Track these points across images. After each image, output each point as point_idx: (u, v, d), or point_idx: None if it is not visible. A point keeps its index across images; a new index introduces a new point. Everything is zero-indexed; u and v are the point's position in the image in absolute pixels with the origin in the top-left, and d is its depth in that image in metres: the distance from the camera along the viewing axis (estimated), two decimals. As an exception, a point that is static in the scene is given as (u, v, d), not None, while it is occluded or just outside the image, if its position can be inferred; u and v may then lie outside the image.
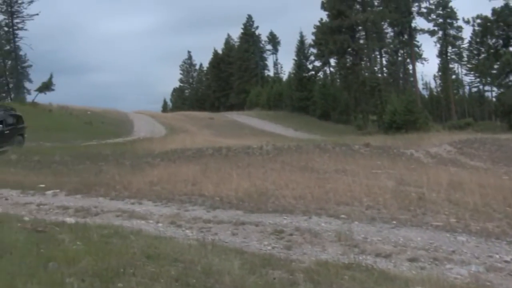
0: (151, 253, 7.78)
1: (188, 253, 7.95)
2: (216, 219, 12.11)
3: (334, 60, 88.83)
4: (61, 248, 8.17)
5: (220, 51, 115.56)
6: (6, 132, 27.77)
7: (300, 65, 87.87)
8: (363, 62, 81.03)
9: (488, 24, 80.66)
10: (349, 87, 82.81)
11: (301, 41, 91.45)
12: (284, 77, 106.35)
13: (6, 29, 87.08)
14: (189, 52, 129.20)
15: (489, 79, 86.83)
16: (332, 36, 75.55)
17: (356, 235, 10.46)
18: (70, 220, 11.75)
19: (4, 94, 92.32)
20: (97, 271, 6.79)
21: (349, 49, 77.31)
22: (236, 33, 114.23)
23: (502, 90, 73.22)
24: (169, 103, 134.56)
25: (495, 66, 77.30)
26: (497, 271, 8.20)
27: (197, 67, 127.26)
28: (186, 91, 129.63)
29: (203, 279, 6.69)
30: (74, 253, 7.82)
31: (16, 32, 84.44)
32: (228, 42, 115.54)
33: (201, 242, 9.48)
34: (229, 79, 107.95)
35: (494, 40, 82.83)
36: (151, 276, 6.68)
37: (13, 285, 5.96)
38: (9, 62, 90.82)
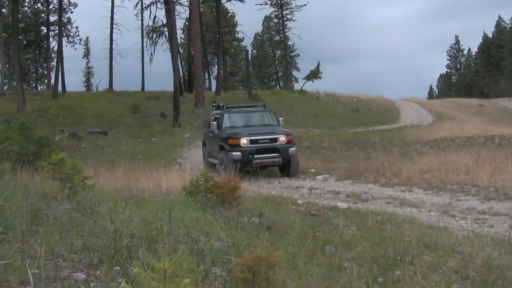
0: (427, 242, 7.64)
1: (465, 245, 7.67)
2: (491, 211, 11.56)
3: None
4: (337, 232, 8.38)
5: (490, 35, 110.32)
6: None
7: None
8: None
9: None
10: None
11: None
12: None
13: (276, 20, 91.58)
14: (456, 36, 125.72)
15: None
16: None
17: None
18: (342, 205, 12.01)
19: (273, 83, 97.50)
20: (374, 257, 6.83)
21: None
22: (508, 15, 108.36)
23: None
24: (435, 90, 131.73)
25: None
26: None
27: (465, 52, 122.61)
28: (453, 77, 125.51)
29: (483, 273, 6.41)
30: (349, 237, 7.97)
31: (286, 23, 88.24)
32: (499, 24, 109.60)
33: (477, 233, 9.11)
34: (499, 64, 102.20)
35: None
36: (429, 266, 6.56)
37: (295, 264, 6.22)
38: (278, 52, 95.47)
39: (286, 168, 18.87)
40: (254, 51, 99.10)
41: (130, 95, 51.82)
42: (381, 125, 42.46)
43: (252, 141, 18.72)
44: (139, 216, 7.13)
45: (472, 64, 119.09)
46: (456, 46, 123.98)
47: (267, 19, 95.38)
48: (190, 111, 40.60)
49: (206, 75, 74.31)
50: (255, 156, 18.58)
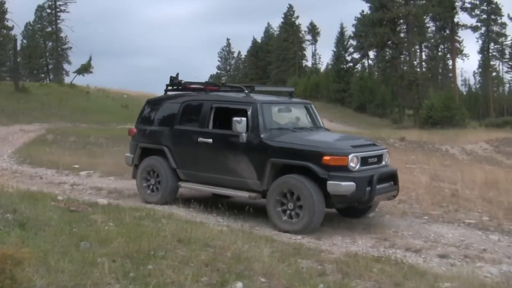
0: (182, 237, 7.87)
1: (219, 239, 8.01)
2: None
3: (373, 53, 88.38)
4: (93, 228, 8.32)
5: (259, 40, 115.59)
6: None
7: (338, 57, 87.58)
8: (402, 56, 79.83)
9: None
10: (387, 81, 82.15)
11: (341, 33, 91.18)
12: (322, 68, 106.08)
13: (48, 11, 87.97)
14: (228, 39, 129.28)
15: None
16: (372, 28, 74.67)
17: (387, 228, 10.43)
18: (102, 201, 11.91)
19: (43, 75, 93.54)
20: (128, 252, 6.88)
21: (389, 42, 76.16)
22: (276, 23, 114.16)
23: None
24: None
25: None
26: (529, 272, 8.09)
27: (235, 55, 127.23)
28: (223, 78, 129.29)
29: (233, 265, 6.74)
30: (106, 233, 7.95)
31: (58, 14, 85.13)
32: (267, 31, 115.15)
33: (231, 228, 9.55)
34: (266, 68, 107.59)
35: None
36: (182, 259, 6.75)
37: (46, 261, 6.07)
38: (50, 44, 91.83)
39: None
40: (25, 41, 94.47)
41: None
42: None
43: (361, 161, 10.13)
44: None
45: (241, 67, 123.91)
46: (227, 48, 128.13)
47: (40, 8, 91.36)
48: None
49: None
50: (377, 187, 10.05)
